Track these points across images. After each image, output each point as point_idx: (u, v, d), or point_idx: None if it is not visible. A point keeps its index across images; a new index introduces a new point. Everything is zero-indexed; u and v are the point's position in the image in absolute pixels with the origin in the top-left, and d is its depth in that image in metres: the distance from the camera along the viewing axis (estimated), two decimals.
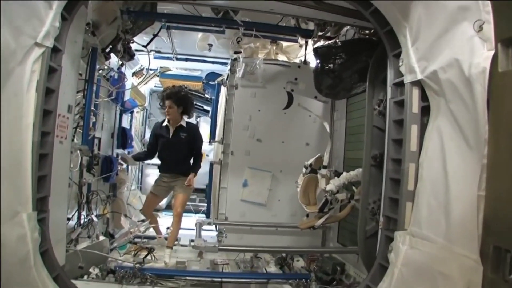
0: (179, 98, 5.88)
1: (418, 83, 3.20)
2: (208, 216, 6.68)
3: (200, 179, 9.57)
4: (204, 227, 5.83)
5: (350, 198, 4.65)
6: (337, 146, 5.70)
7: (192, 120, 10.34)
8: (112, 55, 5.51)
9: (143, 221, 6.35)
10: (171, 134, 5.98)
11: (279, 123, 5.87)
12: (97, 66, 5.20)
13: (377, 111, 3.88)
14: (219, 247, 4.31)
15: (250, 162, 5.80)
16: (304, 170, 5.16)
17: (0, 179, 2.73)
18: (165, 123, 6.06)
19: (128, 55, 5.56)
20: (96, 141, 5.79)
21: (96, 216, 5.53)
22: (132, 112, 7.75)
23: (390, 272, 3.17)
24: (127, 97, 7.20)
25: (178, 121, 5.95)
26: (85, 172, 5.23)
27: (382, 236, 3.51)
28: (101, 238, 5.09)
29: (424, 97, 3.21)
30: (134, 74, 8.05)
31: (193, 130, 6.11)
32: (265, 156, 5.84)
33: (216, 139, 6.38)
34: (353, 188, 4.70)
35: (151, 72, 8.57)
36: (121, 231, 6.05)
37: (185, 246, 6.69)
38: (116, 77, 6.17)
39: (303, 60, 5.96)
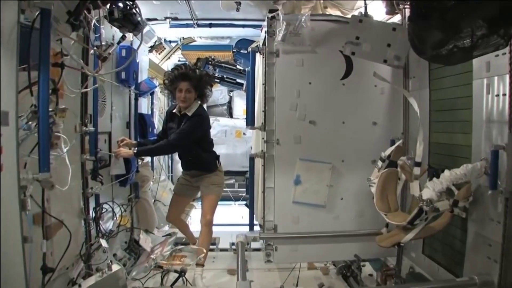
0: (200, 80, 4.49)
1: None
2: (251, 216, 5.03)
3: (238, 160, 8.31)
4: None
5: (452, 205, 3.02)
6: (417, 126, 4.03)
7: (224, 97, 8.94)
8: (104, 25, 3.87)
9: (169, 235, 4.89)
10: (177, 125, 4.53)
11: (337, 98, 4.22)
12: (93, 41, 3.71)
13: None
14: None
15: (302, 151, 4.18)
16: (379, 163, 3.58)
17: None
18: (175, 110, 4.59)
19: (130, 24, 3.93)
20: (104, 137, 4.36)
21: (107, 236, 4.09)
22: (153, 94, 6.21)
23: None
24: (144, 77, 5.69)
25: (189, 105, 4.51)
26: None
27: None
28: (115, 267, 3.62)
29: None
30: (152, 48, 6.50)
31: (191, 117, 4.51)
32: (321, 142, 4.21)
33: (256, 124, 4.72)
34: (452, 188, 3.06)
35: (172, 45, 7.00)
36: (142, 251, 4.57)
37: (225, 250, 5.31)
38: (124, 54, 4.65)
39: (363, 12, 4.17)
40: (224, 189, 7.80)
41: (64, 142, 3.00)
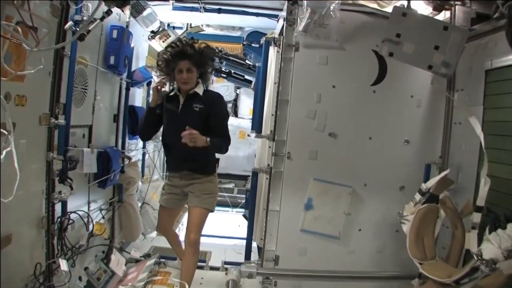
0: (201, 56, 3.55)
1: None
2: (249, 241, 4.06)
3: (240, 163, 7.45)
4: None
5: None
6: (463, 150, 3.18)
7: (230, 93, 8.05)
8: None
9: (148, 255, 4.05)
10: (180, 107, 3.59)
11: (365, 107, 3.39)
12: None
13: None
14: None
15: (318, 170, 3.34)
16: (417, 197, 2.74)
17: None
18: (172, 93, 3.69)
19: None
20: (82, 131, 3.57)
21: (75, 251, 3.27)
22: (149, 84, 5.35)
23: None
24: (140, 64, 4.85)
25: (193, 86, 3.58)
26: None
27: None
28: None
29: None
30: (155, 34, 5.65)
31: (213, 99, 3.61)
32: (342, 160, 3.38)
33: (263, 132, 3.82)
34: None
35: (178, 32, 6.15)
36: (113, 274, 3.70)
37: (216, 269, 4.45)
38: (115, 35, 3.85)
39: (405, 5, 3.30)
40: (222, 194, 7.05)
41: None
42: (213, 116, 3.50)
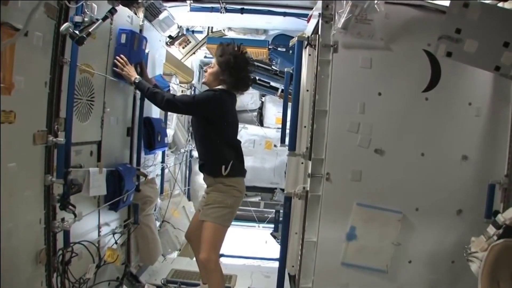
0: (224, 54, 3.36)
1: None
2: (281, 274, 3.40)
3: (266, 175, 7.05)
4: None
5: None
6: None
7: (254, 102, 7.59)
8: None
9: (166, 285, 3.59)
10: None
11: (417, 118, 2.83)
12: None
13: None
14: None
15: (362, 193, 2.80)
16: (491, 230, 2.18)
17: None
18: None
19: None
20: (89, 149, 3.12)
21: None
22: None
23: None
24: (157, 72, 4.40)
25: (207, 82, 3.55)
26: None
27: None
28: None
29: None
30: (174, 40, 5.23)
31: None
32: (390, 181, 2.83)
33: (296, 150, 3.27)
34: None
35: (198, 36, 5.71)
36: None
37: None
38: (123, 40, 3.39)
39: None
40: (248, 208, 6.56)
41: None
42: None
